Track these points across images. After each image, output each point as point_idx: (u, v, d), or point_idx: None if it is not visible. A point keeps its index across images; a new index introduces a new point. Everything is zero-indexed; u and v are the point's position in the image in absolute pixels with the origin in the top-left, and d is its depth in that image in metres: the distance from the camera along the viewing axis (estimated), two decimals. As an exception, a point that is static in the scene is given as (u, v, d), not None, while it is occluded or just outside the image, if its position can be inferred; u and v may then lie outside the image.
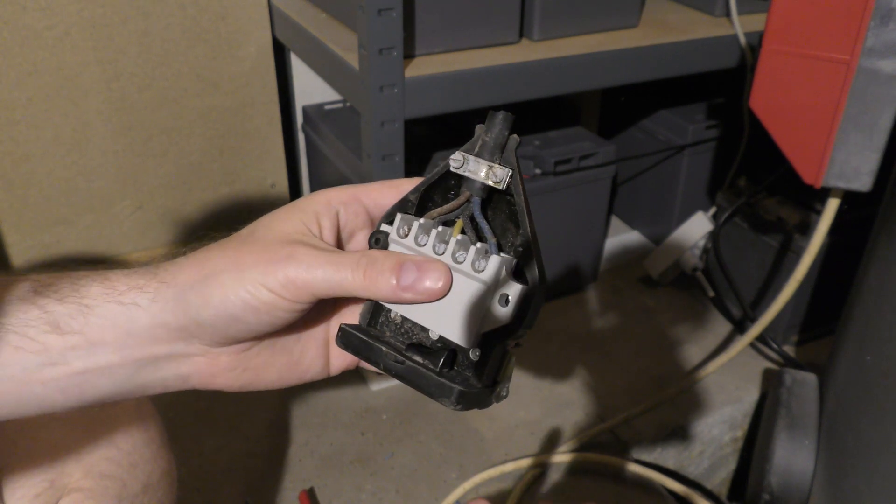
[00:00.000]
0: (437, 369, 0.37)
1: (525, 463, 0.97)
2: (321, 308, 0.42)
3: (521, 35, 1.01)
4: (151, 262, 0.39)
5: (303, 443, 1.00)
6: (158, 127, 1.15)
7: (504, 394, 0.38)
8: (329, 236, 0.39)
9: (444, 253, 0.37)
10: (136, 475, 0.56)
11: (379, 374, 0.40)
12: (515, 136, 0.37)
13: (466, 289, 0.36)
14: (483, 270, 0.35)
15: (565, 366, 1.15)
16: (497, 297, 0.36)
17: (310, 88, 1.26)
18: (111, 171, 1.15)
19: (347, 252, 0.37)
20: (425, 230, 0.38)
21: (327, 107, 1.24)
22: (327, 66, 1.00)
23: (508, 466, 0.96)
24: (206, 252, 0.38)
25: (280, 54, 1.20)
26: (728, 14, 1.12)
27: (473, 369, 0.37)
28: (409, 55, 0.92)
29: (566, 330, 1.22)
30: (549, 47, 0.99)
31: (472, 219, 0.38)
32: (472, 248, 0.36)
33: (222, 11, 1.11)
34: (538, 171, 1.12)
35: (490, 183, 0.37)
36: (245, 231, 0.39)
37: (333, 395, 1.07)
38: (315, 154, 1.26)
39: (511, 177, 0.36)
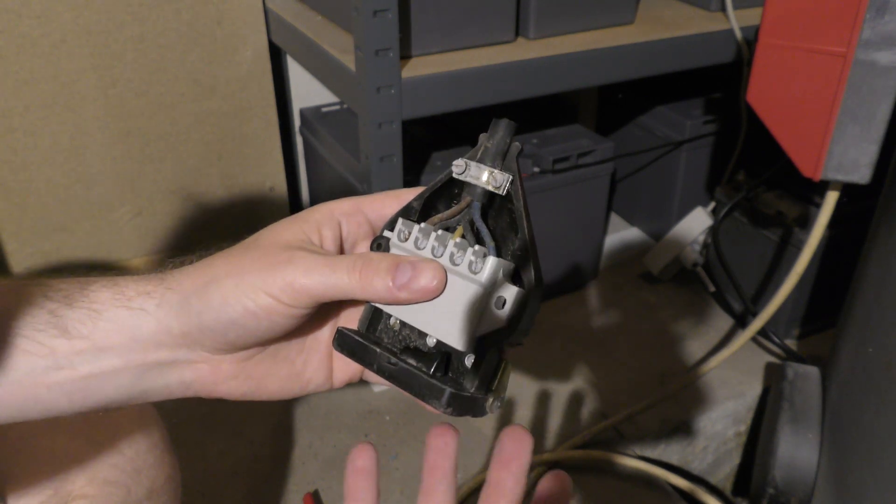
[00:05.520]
0: (430, 372, 0.37)
1: (529, 461, 0.97)
2: (324, 319, 0.42)
3: (518, 34, 1.01)
4: (161, 269, 0.39)
5: (306, 445, 1.00)
6: (156, 132, 1.15)
7: (499, 403, 0.38)
8: (330, 246, 0.40)
9: (442, 255, 0.37)
10: (141, 481, 0.56)
11: (381, 382, 0.40)
12: (517, 143, 0.38)
13: (462, 290, 0.36)
14: (479, 272, 0.36)
15: (567, 363, 1.15)
16: (493, 300, 0.36)
17: (307, 91, 1.26)
18: (109, 177, 1.15)
19: (345, 255, 0.38)
20: (425, 234, 0.38)
21: (325, 109, 1.24)
22: (324, 69, 1.00)
23: (512, 465, 0.96)
24: (211, 259, 0.38)
25: (276, 58, 1.20)
26: (723, 9, 1.12)
27: (468, 375, 0.37)
28: (405, 56, 0.92)
29: (567, 327, 1.22)
30: (546, 45, 0.99)
31: (473, 223, 0.38)
32: (470, 251, 0.36)
33: (218, 16, 1.11)
34: (537, 169, 1.12)
35: (490, 188, 0.37)
36: (249, 239, 0.39)
37: (336, 398, 1.07)
38: (313, 156, 1.26)
39: (511, 182, 0.37)
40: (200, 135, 1.18)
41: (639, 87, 1.34)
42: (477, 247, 0.36)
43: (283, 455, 0.99)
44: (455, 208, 0.39)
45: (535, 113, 1.26)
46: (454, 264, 0.37)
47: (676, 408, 1.06)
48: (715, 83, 1.36)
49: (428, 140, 1.17)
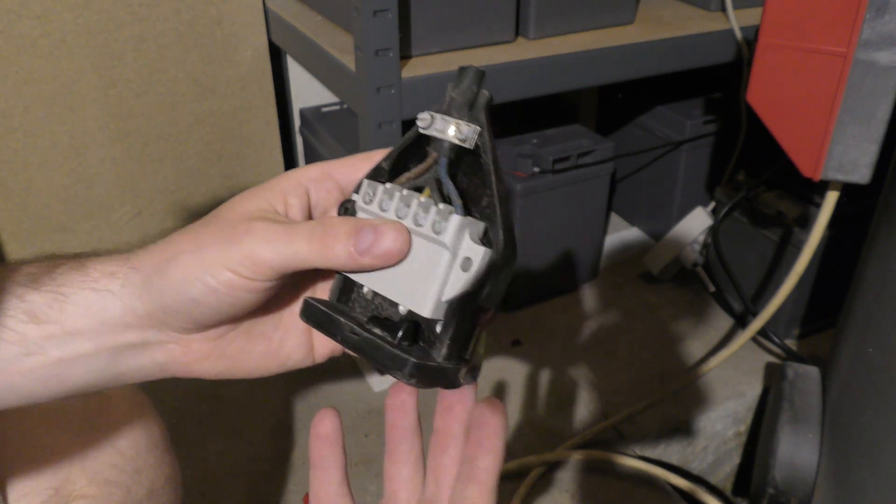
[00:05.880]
0: (395, 341, 0.35)
1: (528, 461, 0.97)
2: (300, 291, 0.41)
3: (518, 34, 1.01)
4: (129, 249, 0.38)
5: (306, 445, 1.00)
6: (156, 132, 1.15)
7: (473, 375, 0.36)
8: (297, 214, 0.38)
9: (406, 216, 0.35)
10: (141, 481, 0.56)
11: (360, 360, 0.38)
12: (485, 91, 0.35)
13: (426, 252, 0.34)
14: (442, 232, 0.33)
15: (567, 363, 1.15)
16: (459, 261, 0.33)
17: (307, 91, 1.26)
18: (109, 177, 1.15)
19: (305, 222, 0.36)
20: (389, 195, 0.36)
21: (324, 109, 1.24)
22: (324, 69, 1.00)
23: (512, 465, 0.96)
24: (173, 235, 0.37)
25: (276, 58, 1.20)
26: (723, 9, 1.12)
27: (437, 344, 0.35)
28: (405, 56, 0.92)
29: (567, 327, 1.22)
30: (546, 45, 0.99)
31: (440, 181, 0.35)
32: (433, 210, 0.34)
33: (218, 16, 1.11)
34: (536, 169, 1.12)
35: (456, 141, 0.34)
36: (211, 213, 0.38)
37: (336, 398, 1.07)
38: (313, 156, 1.26)
39: (479, 135, 0.34)
40: (200, 135, 1.18)
41: (639, 87, 1.34)
42: (441, 205, 0.34)
43: (283, 455, 0.99)
44: (422, 166, 0.36)
45: (535, 113, 1.26)
46: (418, 225, 0.34)
47: (676, 408, 1.06)
48: (715, 83, 1.36)
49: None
